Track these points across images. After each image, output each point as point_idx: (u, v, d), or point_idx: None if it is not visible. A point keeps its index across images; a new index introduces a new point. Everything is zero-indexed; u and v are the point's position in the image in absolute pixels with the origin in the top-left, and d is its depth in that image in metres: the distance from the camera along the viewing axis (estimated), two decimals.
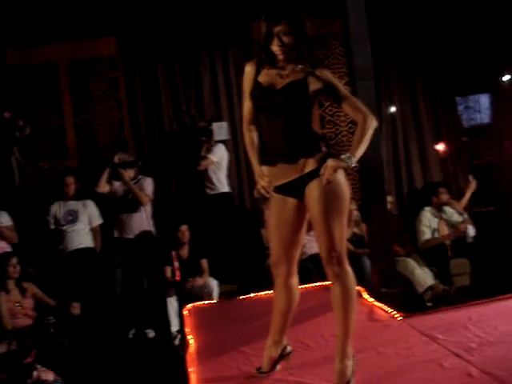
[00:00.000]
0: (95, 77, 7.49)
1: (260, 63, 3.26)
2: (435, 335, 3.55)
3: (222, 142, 7.28)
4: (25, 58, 7.31)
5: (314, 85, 3.12)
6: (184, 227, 6.64)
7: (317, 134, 3.30)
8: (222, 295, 6.50)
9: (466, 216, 7.19)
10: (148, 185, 6.87)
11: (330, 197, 3.01)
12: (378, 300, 4.50)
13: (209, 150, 7.17)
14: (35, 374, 4.39)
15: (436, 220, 7.08)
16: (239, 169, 7.71)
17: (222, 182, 7.19)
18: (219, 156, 7.15)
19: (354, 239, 7.08)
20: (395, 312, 4.13)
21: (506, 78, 8.16)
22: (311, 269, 6.67)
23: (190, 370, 3.46)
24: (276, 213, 3.25)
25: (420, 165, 8.27)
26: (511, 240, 6.97)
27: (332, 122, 7.79)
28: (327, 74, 3.18)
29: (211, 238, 6.92)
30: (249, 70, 3.27)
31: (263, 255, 5.89)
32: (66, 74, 7.44)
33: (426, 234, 6.99)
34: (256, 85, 3.19)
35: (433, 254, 6.85)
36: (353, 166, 3.01)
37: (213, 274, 6.63)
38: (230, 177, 7.45)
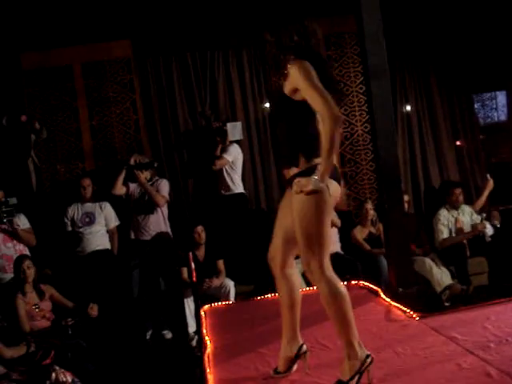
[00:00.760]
0: (110, 79, 7.51)
1: None
2: (453, 335, 3.52)
3: (237, 142, 7.29)
4: (40, 61, 7.36)
5: (287, 87, 3.08)
6: (200, 228, 6.65)
7: (305, 141, 3.09)
8: (238, 296, 6.50)
9: (484, 215, 7.13)
10: (164, 186, 6.89)
11: (304, 211, 3.00)
12: (395, 300, 4.48)
13: (224, 150, 7.18)
14: (54, 375, 4.42)
15: (453, 219, 7.04)
16: (255, 170, 7.71)
17: (236, 183, 7.19)
18: (234, 156, 7.16)
19: (371, 239, 7.06)
20: (413, 312, 4.11)
21: None
22: None
23: (207, 370, 3.46)
24: (282, 205, 3.34)
25: (437, 163, 8.22)
26: None
27: (347, 122, 7.76)
28: (294, 71, 3.04)
29: (227, 238, 6.93)
30: None
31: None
32: (82, 76, 7.48)
33: (443, 233, 6.95)
34: None
35: (450, 254, 6.80)
36: (320, 187, 2.93)
37: (229, 275, 6.63)
38: (245, 177, 7.46)
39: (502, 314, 3.87)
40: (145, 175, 6.83)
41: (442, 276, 6.58)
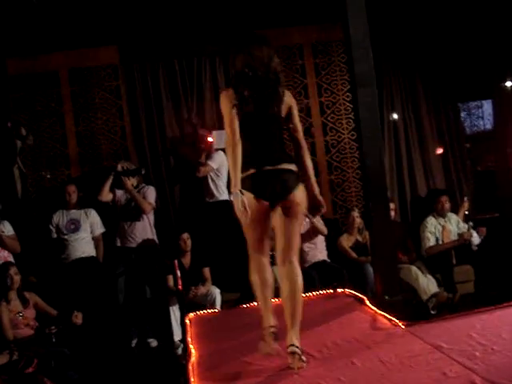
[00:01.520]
0: (96, 85, 7.49)
1: None
2: (439, 343, 3.51)
3: (222, 150, 7.27)
4: (26, 67, 7.32)
5: (283, 110, 3.71)
6: (185, 235, 6.63)
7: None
8: (224, 304, 6.48)
9: (471, 224, 7.15)
10: (150, 193, 6.87)
11: None
12: (381, 308, 4.46)
13: (208, 157, 7.17)
14: None
15: (440, 227, 7.06)
16: None
17: (220, 190, 7.17)
18: (219, 163, 7.14)
19: (357, 247, 7.06)
20: (399, 320, 4.10)
21: (508, 83, 8.12)
22: (314, 277, 6.67)
23: (191, 379, 3.43)
24: None
25: (423, 171, 8.25)
26: None
27: (334, 130, 7.77)
28: (291, 100, 3.75)
29: (213, 246, 6.90)
30: None
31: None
32: (68, 82, 7.45)
33: (430, 240, 6.97)
34: None
35: (437, 262, 6.82)
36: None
37: (215, 283, 6.61)
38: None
39: (488, 322, 3.86)
40: (131, 182, 6.81)
41: (428, 284, 6.59)
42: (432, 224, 7.06)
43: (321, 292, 5.35)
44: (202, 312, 5.20)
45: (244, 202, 3.35)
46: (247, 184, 3.46)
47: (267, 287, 3.67)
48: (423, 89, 8.30)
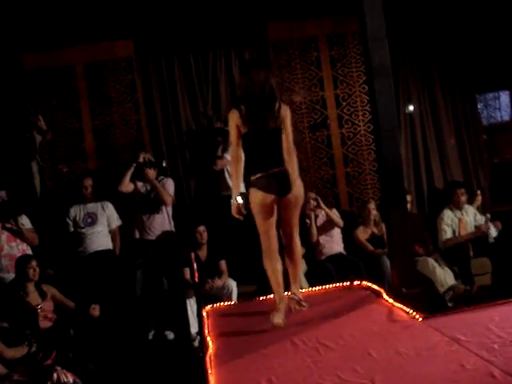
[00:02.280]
0: (112, 79, 7.50)
1: None
2: (457, 336, 3.50)
3: None
4: (42, 62, 7.35)
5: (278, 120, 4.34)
6: (202, 228, 6.64)
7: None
8: (240, 296, 6.49)
9: (488, 216, 7.10)
10: (170, 185, 6.89)
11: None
12: (398, 301, 4.45)
13: (225, 150, 7.17)
14: (55, 375, 4.41)
15: (457, 219, 7.02)
16: None
17: None
18: None
19: (374, 239, 7.04)
20: (416, 312, 4.08)
21: None
22: (331, 269, 6.66)
23: (209, 371, 3.44)
24: None
25: (439, 163, 8.19)
26: None
27: (350, 122, 7.74)
28: (288, 113, 4.37)
29: (229, 239, 6.91)
30: None
31: (281, 255, 5.88)
32: (84, 76, 7.47)
33: (447, 233, 6.93)
34: None
35: (454, 254, 6.78)
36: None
37: (231, 275, 6.62)
38: None
39: (506, 314, 3.84)
40: (152, 173, 6.81)
41: (445, 276, 6.56)
42: (449, 216, 7.02)
43: (337, 284, 5.35)
44: (218, 304, 5.22)
45: (239, 208, 4.42)
46: (257, 184, 4.29)
47: (277, 272, 4.37)
48: (440, 80, 8.24)
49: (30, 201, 7.00)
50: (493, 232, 7.05)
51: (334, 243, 7.05)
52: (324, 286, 5.36)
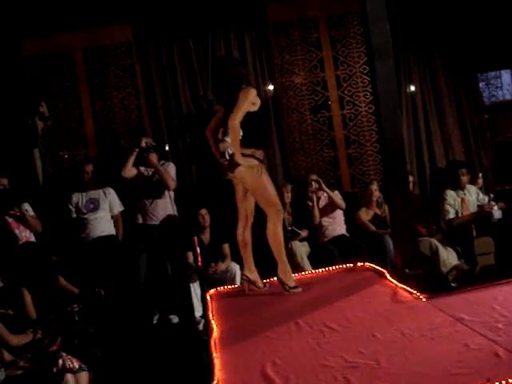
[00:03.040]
0: (111, 64, 7.47)
1: None
2: (461, 316, 3.50)
3: None
4: (41, 47, 7.32)
5: None
6: (203, 211, 6.65)
7: None
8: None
9: (491, 196, 7.09)
10: (171, 169, 6.86)
11: None
12: (401, 281, 4.45)
13: (225, 133, 7.13)
14: (60, 361, 4.41)
15: (459, 199, 7.00)
16: None
17: None
18: None
19: (376, 220, 7.03)
20: (419, 293, 4.09)
21: None
22: (334, 251, 6.67)
23: (213, 355, 3.45)
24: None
25: (442, 143, 8.17)
26: None
27: (351, 103, 7.71)
28: None
29: (232, 222, 6.90)
30: None
31: (285, 238, 5.89)
32: (83, 62, 7.44)
33: (450, 213, 6.93)
34: None
35: (457, 234, 6.79)
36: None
37: (235, 259, 6.62)
38: None
39: (510, 294, 3.83)
40: (154, 158, 6.79)
41: (448, 256, 6.57)
42: (451, 196, 7.01)
43: (341, 266, 5.35)
44: (222, 288, 5.23)
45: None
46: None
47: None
48: (441, 60, 8.19)
49: (32, 188, 6.99)
50: (496, 213, 7.02)
51: (336, 225, 7.05)
52: (327, 268, 5.37)
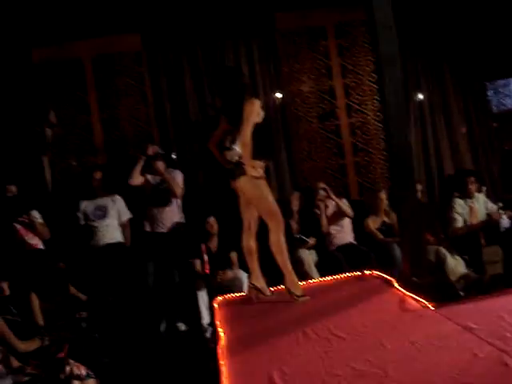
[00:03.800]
0: (120, 72, 7.51)
1: None
2: (469, 325, 3.48)
3: None
4: (50, 55, 7.37)
5: None
6: (212, 219, 6.65)
7: None
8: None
9: (500, 204, 7.06)
10: (178, 177, 6.87)
11: None
12: (409, 290, 4.43)
13: (233, 142, 7.13)
14: (68, 368, 4.42)
15: (467, 208, 6.98)
16: None
17: None
18: None
19: (384, 228, 7.02)
20: (427, 301, 4.07)
21: None
22: (342, 259, 6.65)
23: (221, 362, 3.45)
24: None
25: (450, 152, 8.16)
26: None
27: (359, 111, 7.71)
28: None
29: (239, 230, 6.90)
30: None
31: (292, 246, 5.88)
32: (92, 70, 7.47)
33: (458, 221, 6.89)
34: None
35: (465, 242, 6.75)
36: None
37: (242, 267, 6.61)
38: None
39: None
40: (161, 166, 6.80)
41: (456, 265, 6.53)
42: (459, 205, 6.98)
43: (348, 274, 5.34)
44: (229, 296, 5.22)
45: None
46: None
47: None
48: (449, 68, 8.20)
49: (41, 195, 7.02)
50: (504, 222, 6.99)
51: (344, 233, 7.04)
52: (335, 276, 5.36)
